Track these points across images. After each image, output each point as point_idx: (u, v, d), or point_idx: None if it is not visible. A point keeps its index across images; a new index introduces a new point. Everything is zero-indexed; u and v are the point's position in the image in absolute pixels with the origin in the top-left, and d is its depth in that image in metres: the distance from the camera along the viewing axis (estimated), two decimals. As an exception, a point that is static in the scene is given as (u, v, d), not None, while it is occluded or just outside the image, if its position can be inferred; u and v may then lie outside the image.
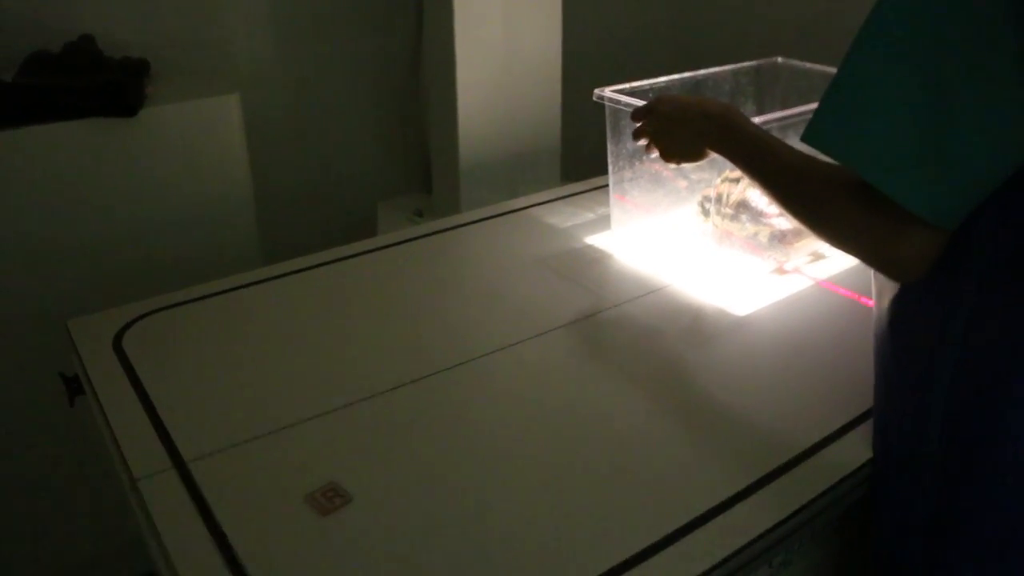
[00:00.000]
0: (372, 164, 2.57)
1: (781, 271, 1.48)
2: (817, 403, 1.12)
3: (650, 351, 1.24)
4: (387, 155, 2.60)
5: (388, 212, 2.40)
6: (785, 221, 1.47)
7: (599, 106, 1.49)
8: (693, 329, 1.32)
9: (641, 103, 1.27)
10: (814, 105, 0.79)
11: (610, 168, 1.56)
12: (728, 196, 1.46)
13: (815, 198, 0.83)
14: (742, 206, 1.45)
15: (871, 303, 0.96)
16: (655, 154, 1.21)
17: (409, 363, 1.18)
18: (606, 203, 1.66)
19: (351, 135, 2.50)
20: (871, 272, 0.89)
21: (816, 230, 0.85)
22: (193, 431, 1.05)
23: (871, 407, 1.04)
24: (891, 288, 0.89)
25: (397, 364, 1.18)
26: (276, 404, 1.10)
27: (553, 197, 1.81)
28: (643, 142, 1.24)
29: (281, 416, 1.08)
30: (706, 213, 1.48)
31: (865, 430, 1.06)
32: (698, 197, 1.52)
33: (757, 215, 1.44)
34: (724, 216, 1.44)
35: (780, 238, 1.45)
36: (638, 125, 1.22)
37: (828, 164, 0.81)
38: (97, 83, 1.70)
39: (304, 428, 1.07)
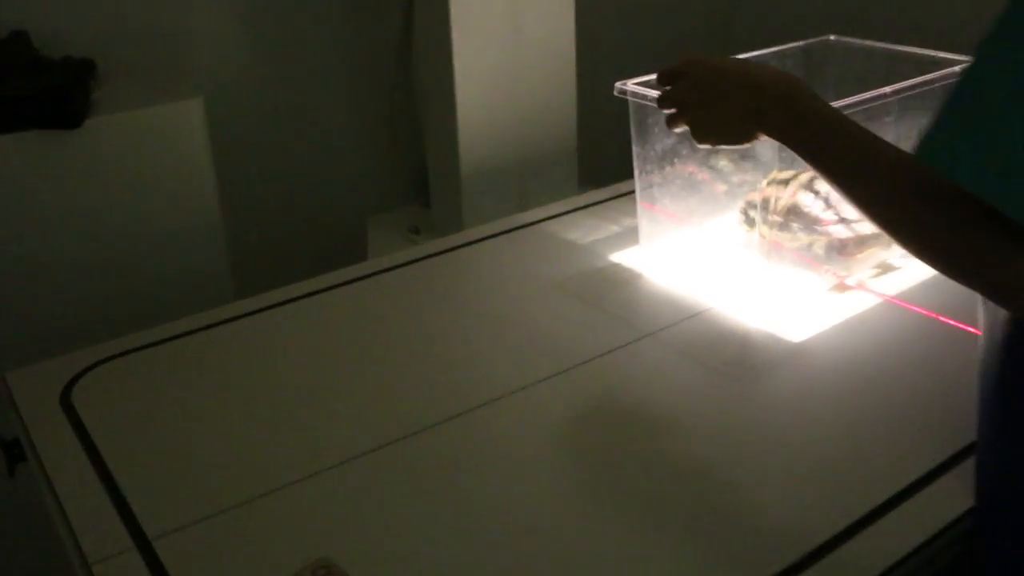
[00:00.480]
0: (360, 174, 2.57)
1: (842, 287, 1.48)
2: (895, 443, 1.11)
3: (690, 387, 1.24)
4: (377, 163, 2.60)
5: (380, 229, 2.40)
6: (844, 228, 1.46)
7: (622, 100, 1.48)
8: (740, 359, 1.31)
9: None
10: (880, 91, 0.76)
11: (636, 173, 1.56)
12: (776, 201, 1.44)
13: (916, 212, 0.81)
14: (793, 212, 1.43)
15: (950, 321, 0.94)
16: (680, 129, 1.11)
17: (407, 414, 1.18)
18: (632, 213, 1.65)
19: (334, 141, 2.51)
20: (977, 299, 0.89)
21: (913, 247, 0.83)
22: (157, 503, 1.03)
23: (966, 446, 1.04)
24: (1004, 318, 0.88)
25: (393, 415, 1.18)
26: (254, 468, 1.10)
27: (570, 208, 1.81)
28: (677, 130, 1.13)
29: (261, 482, 1.07)
30: (751, 222, 1.48)
31: (962, 474, 1.04)
32: (740, 203, 1.52)
33: (811, 222, 1.43)
34: (772, 225, 1.43)
35: (839, 248, 1.44)
36: (664, 91, 1.12)
37: (930, 167, 0.80)
38: (33, 89, 1.69)
39: (289, 495, 1.05)
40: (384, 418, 1.17)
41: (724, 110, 1.02)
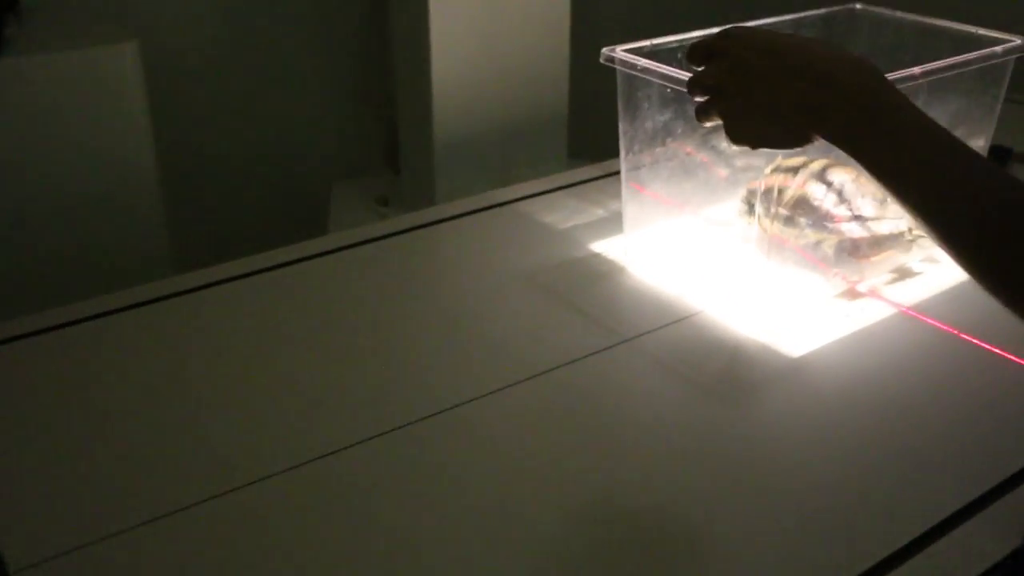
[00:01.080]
0: (324, 134, 2.57)
1: (852, 294, 1.46)
2: (911, 481, 1.09)
3: (671, 405, 1.22)
4: (344, 122, 2.60)
5: (344, 198, 2.40)
6: (859, 227, 1.42)
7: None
8: (730, 375, 1.30)
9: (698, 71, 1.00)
10: (909, 71, 0.69)
11: (622, 152, 1.52)
12: (783, 191, 1.42)
13: None
14: (801, 205, 1.41)
15: (973, 339, 0.90)
16: (713, 124, 0.97)
17: (362, 416, 1.17)
18: (618, 195, 1.61)
19: (295, 95, 2.49)
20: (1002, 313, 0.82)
21: None
22: (32, 528, 1.00)
23: (998, 484, 1.03)
24: None
25: (346, 418, 1.17)
26: (179, 477, 1.07)
27: (553, 186, 1.81)
28: (708, 124, 0.99)
29: (186, 492, 1.04)
30: (753, 214, 1.45)
31: (995, 516, 1.03)
32: (742, 192, 1.50)
33: (821, 218, 1.41)
34: (777, 218, 1.42)
35: (852, 249, 1.43)
36: (697, 72, 0.98)
37: None
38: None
39: (220, 507, 1.03)
40: (337, 420, 1.17)
41: (772, 103, 0.90)
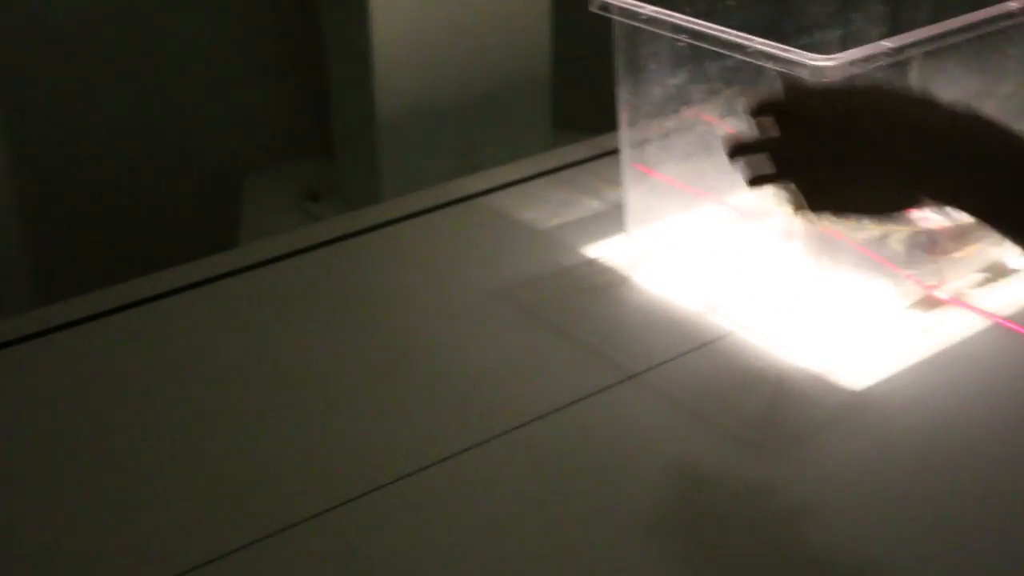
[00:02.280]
0: (233, 110, 2.57)
1: (931, 302, 1.45)
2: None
3: (697, 459, 1.22)
4: (259, 94, 2.60)
5: (260, 195, 2.42)
6: (936, 214, 1.41)
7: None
8: (774, 417, 1.30)
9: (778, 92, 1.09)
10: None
11: (622, 125, 1.52)
12: None
13: None
14: None
15: None
16: (773, 192, 1.09)
17: (275, 501, 1.16)
18: (618, 180, 1.62)
19: (194, 58, 2.49)
20: None
21: None
22: None
23: None
24: None
25: (255, 503, 1.16)
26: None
27: (533, 172, 1.81)
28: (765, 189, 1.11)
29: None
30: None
31: None
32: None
33: None
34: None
35: (928, 245, 1.43)
36: (760, 139, 1.09)
37: None
38: None
39: None
40: (242, 507, 1.16)
41: (872, 168, 0.99)
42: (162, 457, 1.23)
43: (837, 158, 1.01)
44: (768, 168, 1.08)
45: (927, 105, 0.98)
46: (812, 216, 1.08)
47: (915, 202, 1.01)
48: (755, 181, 1.10)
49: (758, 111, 1.07)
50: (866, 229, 1.42)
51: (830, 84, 1.08)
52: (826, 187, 1.05)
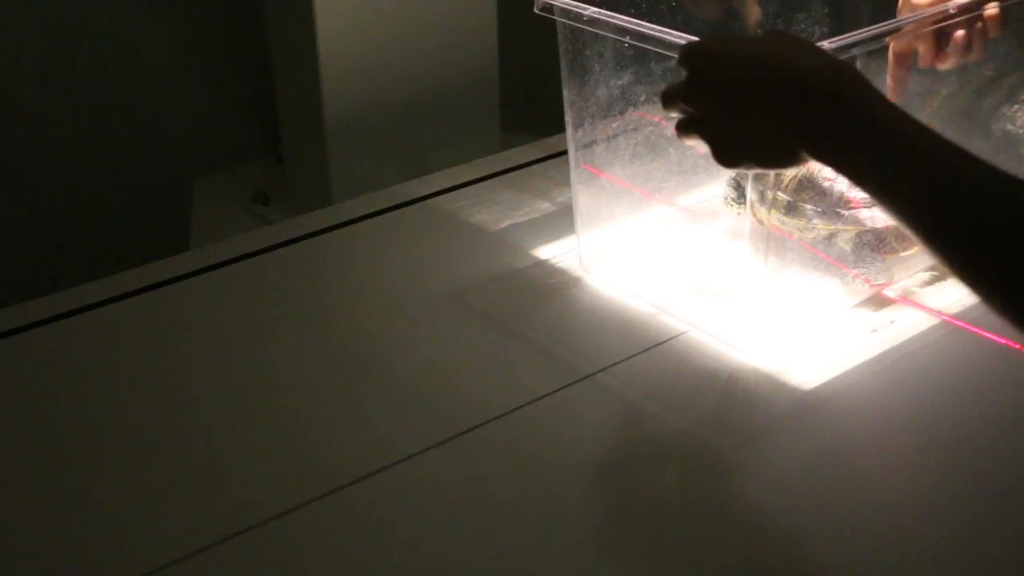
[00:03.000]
0: (181, 111, 2.56)
1: (879, 301, 1.46)
2: (976, 558, 1.08)
3: (650, 460, 1.22)
4: (207, 96, 2.59)
5: (209, 198, 2.40)
6: (881, 214, 1.35)
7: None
8: (724, 417, 1.30)
9: (683, 40, 1.16)
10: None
11: (569, 127, 1.50)
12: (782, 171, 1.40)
13: None
14: (807, 188, 1.41)
15: None
16: (695, 144, 1.11)
17: (227, 507, 1.15)
18: (567, 181, 1.60)
19: (140, 59, 2.48)
20: None
21: None
22: None
23: None
24: None
25: (206, 510, 1.15)
26: None
27: (482, 174, 1.81)
28: (690, 143, 1.13)
29: None
30: (744, 201, 1.46)
31: None
32: (726, 173, 1.50)
33: (833, 203, 1.40)
34: (776, 206, 1.41)
35: (875, 243, 1.42)
36: (669, 87, 1.11)
37: None
38: None
39: None
40: (195, 515, 1.14)
41: (751, 123, 1.03)
42: (106, 467, 1.22)
43: (722, 115, 1.05)
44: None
45: (793, 53, 1.00)
46: (731, 169, 1.10)
47: (799, 158, 1.02)
48: (678, 131, 1.11)
49: (667, 99, 1.10)
50: (814, 228, 1.42)
51: (725, 38, 1.10)
52: (725, 143, 1.06)
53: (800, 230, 1.41)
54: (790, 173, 1.42)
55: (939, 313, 1.42)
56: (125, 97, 2.47)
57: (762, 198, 1.38)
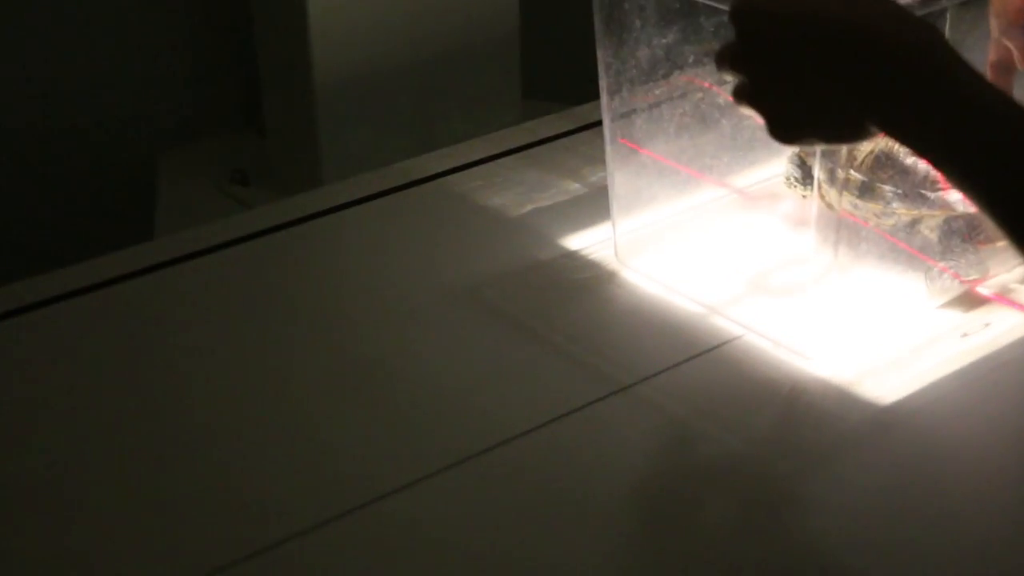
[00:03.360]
0: (144, 75, 2.57)
1: (971, 299, 1.45)
2: None
3: (697, 485, 1.22)
4: (176, 57, 2.60)
5: (180, 177, 2.42)
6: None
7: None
8: (787, 435, 1.31)
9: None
10: None
11: (604, 95, 1.50)
12: (855, 147, 1.40)
13: None
14: (885, 165, 1.41)
15: None
16: (753, 114, 1.10)
17: (198, 543, 1.15)
18: (601, 158, 1.60)
19: (99, 14, 2.49)
20: None
21: None
22: None
23: None
24: None
25: (175, 546, 1.15)
26: None
27: (501, 149, 1.81)
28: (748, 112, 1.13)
29: None
30: (807, 181, 1.47)
31: None
32: (787, 150, 1.51)
33: (917, 184, 1.41)
34: (848, 187, 1.41)
35: (966, 231, 1.41)
36: (722, 49, 1.11)
37: None
38: None
39: None
40: (172, 546, 1.15)
41: (811, 92, 1.02)
42: (66, 483, 1.22)
43: (788, 75, 1.04)
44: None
45: (886, 13, 0.99)
46: (789, 146, 1.13)
47: (866, 132, 1.02)
48: (735, 95, 1.10)
49: (720, 61, 1.09)
50: (894, 214, 1.42)
51: None
52: (780, 116, 1.07)
53: (877, 216, 1.41)
54: (865, 148, 1.42)
55: (1044, 315, 1.43)
56: (83, 56, 2.48)
57: (831, 178, 1.39)
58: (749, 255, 1.52)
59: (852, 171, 1.41)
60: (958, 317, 1.42)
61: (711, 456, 1.26)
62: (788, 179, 1.52)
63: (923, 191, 1.41)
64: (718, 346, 1.39)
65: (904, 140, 0.99)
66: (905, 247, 1.42)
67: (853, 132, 1.03)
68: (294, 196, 1.73)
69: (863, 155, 1.42)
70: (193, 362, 1.40)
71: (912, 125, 0.97)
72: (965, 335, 1.39)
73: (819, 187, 1.39)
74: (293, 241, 1.62)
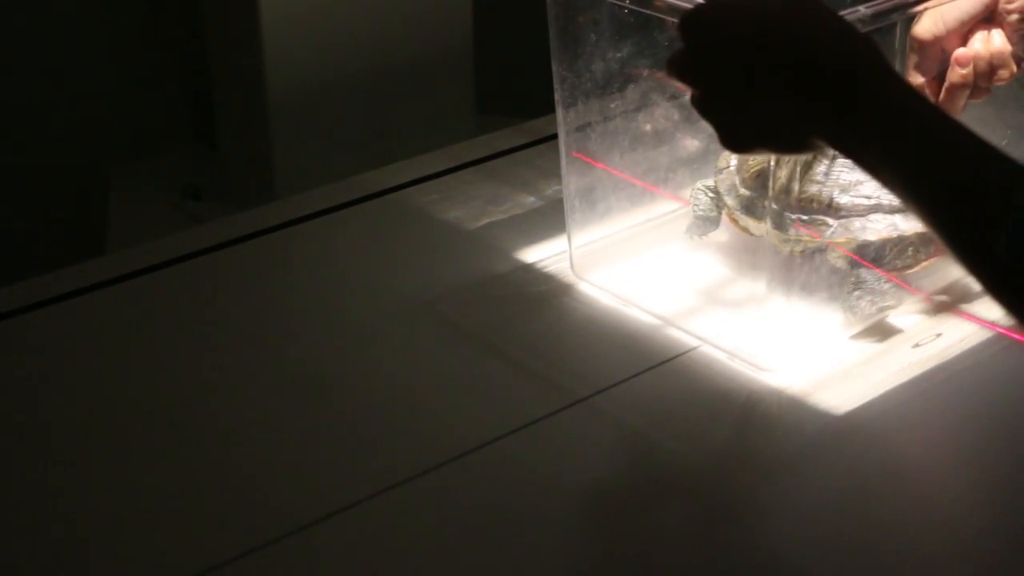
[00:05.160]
0: (95, 91, 2.56)
1: (924, 309, 1.47)
2: None
3: (654, 496, 1.23)
4: (127, 71, 2.59)
5: (130, 192, 2.41)
6: (876, 224, 1.41)
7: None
8: (744, 447, 1.31)
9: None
10: None
11: (559, 108, 1.51)
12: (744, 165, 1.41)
13: None
14: (766, 183, 1.36)
15: None
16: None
17: (154, 558, 1.15)
18: (557, 171, 1.60)
19: (49, 29, 2.48)
20: None
21: None
22: None
23: None
24: None
25: (127, 564, 1.14)
26: None
27: (456, 163, 1.81)
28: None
29: None
30: (716, 196, 1.49)
31: None
32: (719, 161, 1.49)
33: (822, 209, 1.40)
34: (737, 199, 1.44)
35: (873, 263, 1.41)
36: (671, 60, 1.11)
37: None
38: None
39: None
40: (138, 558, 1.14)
41: (754, 106, 1.03)
42: (23, 502, 1.22)
43: (722, 94, 1.05)
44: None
45: (826, 27, 1.01)
46: (740, 154, 1.13)
47: (811, 145, 1.04)
48: (691, 102, 1.10)
49: (670, 69, 1.09)
50: (800, 240, 1.41)
51: (727, 2, 1.09)
52: (728, 126, 1.07)
53: (782, 241, 1.40)
54: (753, 163, 1.42)
55: (993, 325, 1.42)
56: (27, 72, 2.47)
57: (731, 194, 1.43)
58: (704, 268, 1.52)
59: (741, 186, 1.43)
60: (911, 326, 1.43)
61: (668, 467, 1.27)
62: (694, 194, 1.51)
63: (823, 217, 1.41)
64: (674, 358, 1.39)
65: (847, 154, 1.00)
66: (859, 259, 1.42)
67: (800, 144, 1.05)
68: (247, 211, 1.73)
69: (751, 170, 1.42)
70: (146, 378, 1.39)
71: (851, 140, 0.98)
72: (917, 345, 1.40)
73: (726, 207, 1.44)
74: (247, 256, 1.62)
